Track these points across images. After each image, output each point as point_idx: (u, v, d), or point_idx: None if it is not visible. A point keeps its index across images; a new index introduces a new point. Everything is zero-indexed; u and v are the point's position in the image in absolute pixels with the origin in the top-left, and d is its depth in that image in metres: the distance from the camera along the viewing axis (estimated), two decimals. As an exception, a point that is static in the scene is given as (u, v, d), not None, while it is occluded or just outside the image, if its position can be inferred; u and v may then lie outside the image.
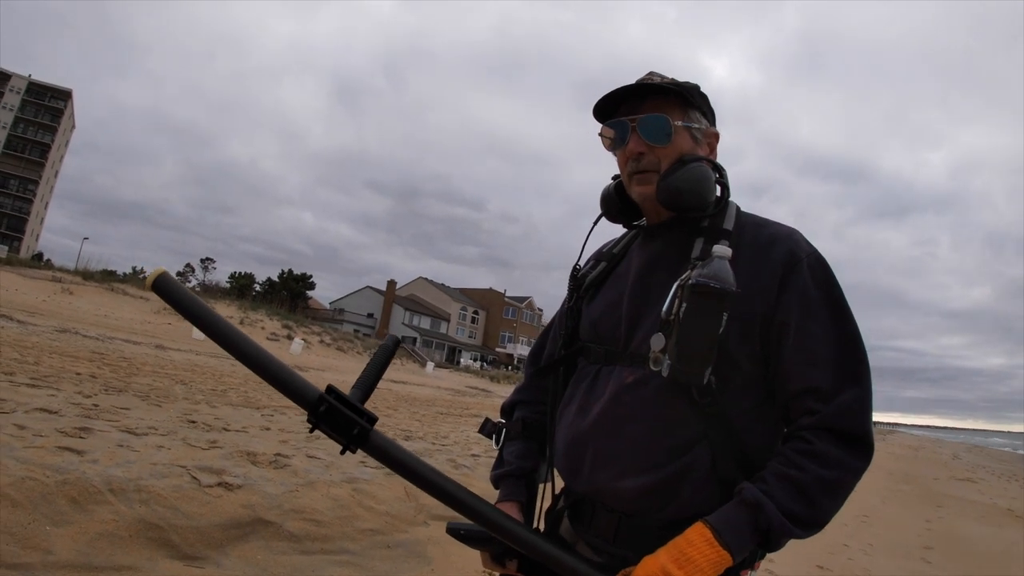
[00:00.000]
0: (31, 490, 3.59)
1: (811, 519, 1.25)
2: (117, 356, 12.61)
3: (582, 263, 1.70)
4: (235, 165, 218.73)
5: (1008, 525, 10.06)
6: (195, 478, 4.37)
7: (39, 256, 70.44)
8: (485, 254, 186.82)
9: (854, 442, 1.29)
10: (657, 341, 1.32)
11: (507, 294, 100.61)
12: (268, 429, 7.13)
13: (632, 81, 1.50)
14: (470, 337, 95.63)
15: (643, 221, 1.62)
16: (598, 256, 1.71)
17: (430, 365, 45.84)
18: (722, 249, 1.28)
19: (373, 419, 1.30)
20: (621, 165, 1.52)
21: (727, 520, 1.23)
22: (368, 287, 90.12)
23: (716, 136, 1.54)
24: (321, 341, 41.58)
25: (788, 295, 1.35)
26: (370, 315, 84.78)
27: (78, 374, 8.70)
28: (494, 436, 1.76)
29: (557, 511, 1.58)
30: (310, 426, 1.29)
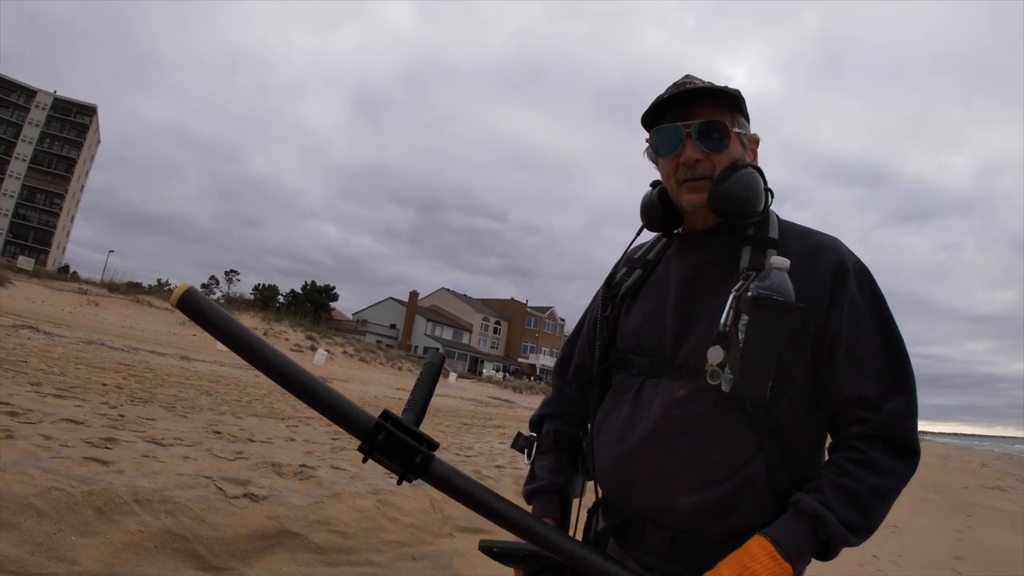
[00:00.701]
0: (57, 500, 3.59)
1: (866, 527, 1.25)
2: (143, 367, 12.69)
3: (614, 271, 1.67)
4: (259, 179, 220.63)
5: (1041, 535, 9.85)
6: (220, 489, 4.36)
7: (65, 269, 71.22)
8: (507, 264, 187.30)
9: (903, 449, 1.29)
10: (715, 354, 1.29)
11: (529, 304, 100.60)
12: (293, 440, 7.13)
13: (655, 87, 1.48)
14: (492, 347, 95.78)
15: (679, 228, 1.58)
16: (630, 263, 1.66)
17: (453, 376, 45.83)
18: (781, 260, 1.25)
19: (434, 445, 1.21)
20: (668, 172, 1.47)
21: (788, 533, 1.22)
22: (390, 298, 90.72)
23: (757, 141, 1.52)
24: (344, 352, 41.71)
25: (838, 306, 1.34)
26: (392, 326, 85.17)
27: (104, 385, 8.75)
28: (526, 450, 1.73)
29: (600, 531, 1.53)
30: (363, 456, 1.19)
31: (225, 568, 3.70)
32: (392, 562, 4.40)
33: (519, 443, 1.75)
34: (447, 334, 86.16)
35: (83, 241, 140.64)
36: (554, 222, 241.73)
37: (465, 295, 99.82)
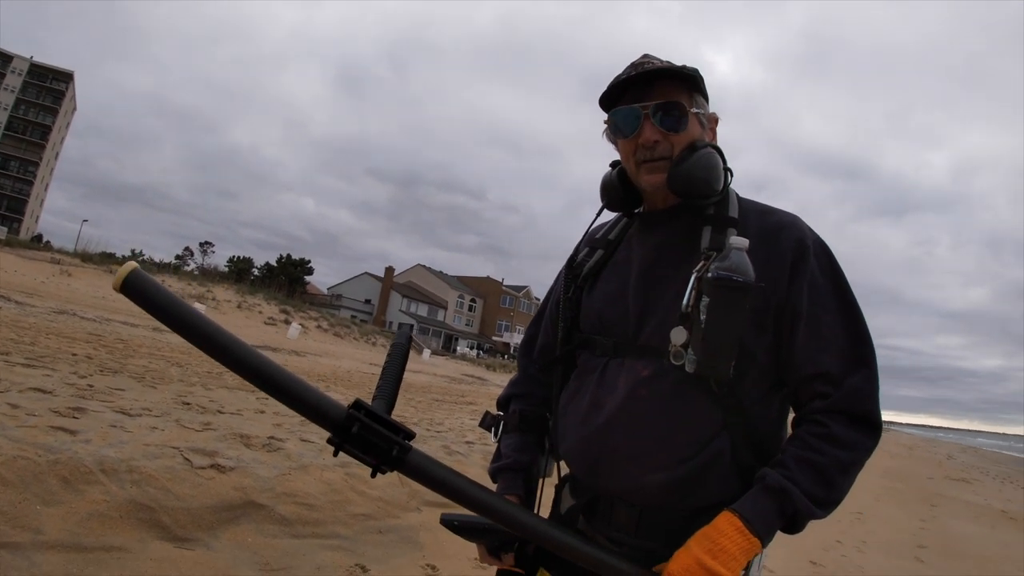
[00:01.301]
0: (22, 469, 3.57)
1: (831, 499, 1.29)
2: (114, 338, 12.57)
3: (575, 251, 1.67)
4: (237, 151, 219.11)
5: (1002, 526, 10.08)
6: (187, 460, 4.36)
7: (38, 238, 70.16)
8: (484, 243, 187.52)
9: (865, 423, 1.32)
10: (678, 335, 1.30)
11: (505, 283, 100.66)
12: (263, 412, 7.11)
13: (627, 67, 1.47)
14: (467, 325, 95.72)
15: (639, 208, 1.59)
16: (591, 243, 1.67)
17: (426, 352, 45.66)
18: (740, 240, 1.26)
19: (411, 435, 1.15)
20: (627, 153, 1.47)
21: (755, 508, 1.25)
22: (366, 273, 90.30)
23: (716, 120, 1.52)
24: (318, 326, 41.44)
25: (798, 283, 1.35)
26: (367, 301, 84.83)
27: (74, 355, 8.67)
28: (493, 429, 1.74)
29: (570, 509, 1.54)
30: (333, 449, 1.12)
31: (190, 539, 3.71)
32: (358, 535, 4.43)
33: (486, 422, 1.76)
34: (422, 310, 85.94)
35: (57, 210, 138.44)
36: (533, 202, 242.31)
37: (441, 272, 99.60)
